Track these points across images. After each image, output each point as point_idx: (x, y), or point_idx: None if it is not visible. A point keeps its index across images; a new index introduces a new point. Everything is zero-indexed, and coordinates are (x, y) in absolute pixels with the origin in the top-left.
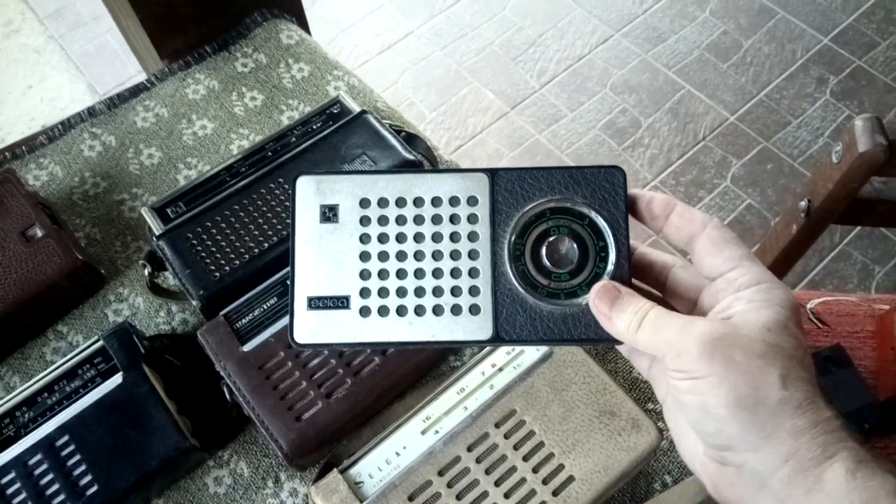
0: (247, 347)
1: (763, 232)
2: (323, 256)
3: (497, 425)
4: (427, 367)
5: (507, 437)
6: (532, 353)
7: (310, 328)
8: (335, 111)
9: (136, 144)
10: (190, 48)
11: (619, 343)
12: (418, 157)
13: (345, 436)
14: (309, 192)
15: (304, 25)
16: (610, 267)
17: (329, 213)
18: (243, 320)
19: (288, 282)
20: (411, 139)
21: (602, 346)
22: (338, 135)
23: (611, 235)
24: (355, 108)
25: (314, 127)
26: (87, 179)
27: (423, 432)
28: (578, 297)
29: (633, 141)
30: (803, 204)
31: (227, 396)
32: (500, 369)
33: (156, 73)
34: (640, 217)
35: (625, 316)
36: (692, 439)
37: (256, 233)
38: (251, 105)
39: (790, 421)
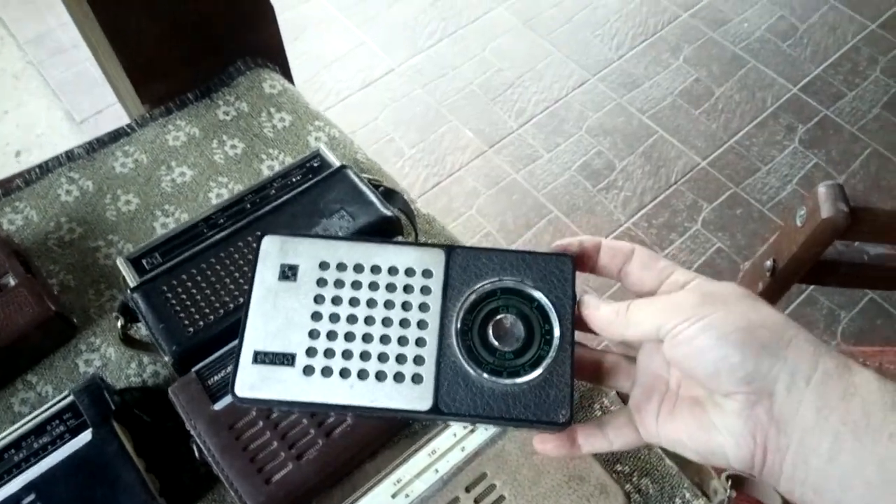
0: (218, 406)
1: (732, 276)
2: (276, 313)
3: (467, 489)
4: (400, 426)
5: (477, 501)
6: None
7: (252, 382)
8: (315, 164)
9: (114, 190)
10: (172, 94)
11: (557, 427)
12: (396, 213)
13: (314, 497)
14: (273, 250)
15: (287, 75)
16: (553, 350)
17: (288, 272)
18: (215, 377)
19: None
20: (389, 194)
21: (539, 429)
22: (317, 189)
23: (557, 320)
24: (335, 162)
25: (294, 180)
26: (63, 225)
27: (394, 496)
28: (521, 377)
29: (608, 183)
30: (768, 264)
31: (197, 454)
32: (472, 430)
33: (137, 118)
34: (573, 317)
35: (609, 307)
36: (711, 416)
37: (232, 287)
38: (231, 153)
39: (803, 333)
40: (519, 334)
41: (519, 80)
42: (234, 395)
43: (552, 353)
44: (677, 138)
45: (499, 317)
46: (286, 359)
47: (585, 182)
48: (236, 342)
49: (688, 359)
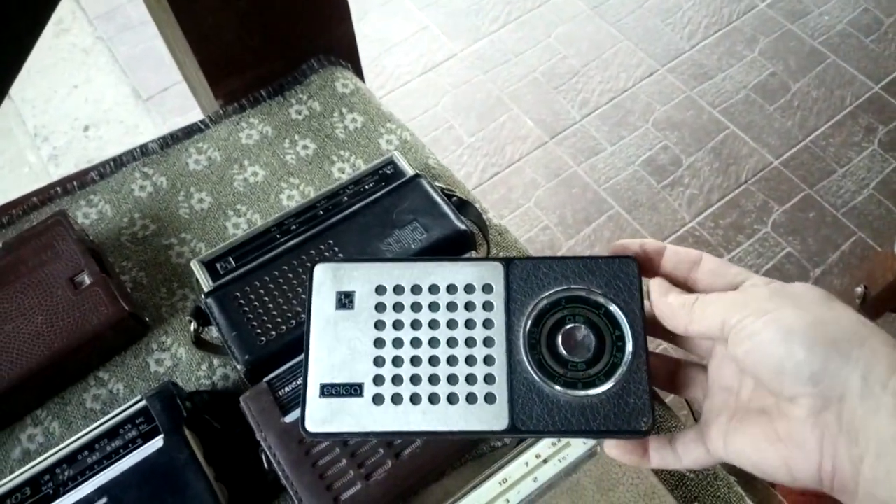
0: (288, 419)
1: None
2: (338, 343)
3: None
4: (467, 447)
5: None
6: (578, 446)
7: (322, 416)
8: (388, 172)
9: (188, 187)
10: (246, 90)
11: (640, 436)
12: (470, 226)
13: None
14: (326, 279)
15: (359, 73)
16: (627, 357)
17: (345, 300)
18: (286, 388)
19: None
20: (463, 205)
21: (621, 439)
22: (390, 198)
23: (627, 325)
24: (409, 170)
25: (367, 187)
26: (137, 221)
27: None
28: (596, 388)
29: (673, 179)
30: (859, 290)
31: (265, 464)
32: (545, 461)
33: (211, 115)
34: (644, 320)
35: (677, 297)
36: (777, 425)
37: (304, 296)
38: (303, 154)
39: (881, 335)
40: (589, 343)
41: (584, 69)
42: (304, 431)
43: (626, 360)
44: (749, 135)
45: (567, 327)
46: (354, 389)
47: (649, 178)
48: (301, 374)
49: (750, 355)
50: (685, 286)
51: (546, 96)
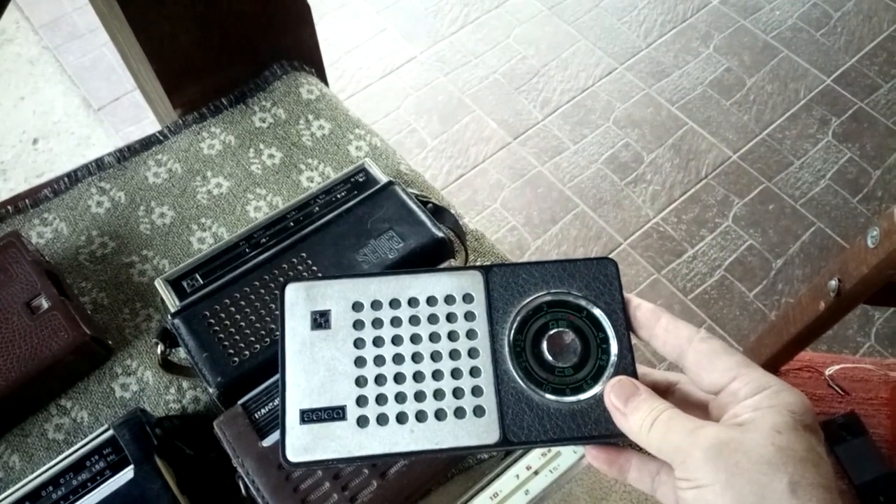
0: (267, 442)
1: (764, 274)
2: (315, 365)
3: None
4: (454, 461)
5: None
6: (569, 456)
7: (304, 444)
8: (360, 179)
9: (148, 202)
10: (205, 99)
11: (631, 442)
12: (447, 233)
13: None
14: (298, 298)
15: (323, 77)
16: (613, 358)
17: (321, 320)
18: (262, 410)
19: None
20: (439, 211)
21: (614, 442)
22: (364, 206)
23: (610, 326)
24: (381, 177)
25: (338, 196)
26: (95, 239)
27: None
28: (585, 392)
29: (636, 176)
30: (833, 283)
31: (243, 491)
32: (536, 472)
33: (169, 125)
34: (627, 321)
35: (639, 414)
36: None
37: (278, 313)
38: (269, 163)
39: None
40: (575, 347)
41: (544, 69)
42: (286, 461)
43: (612, 362)
44: (708, 130)
45: (551, 332)
46: (336, 413)
47: (613, 175)
48: (278, 403)
49: None
50: (678, 361)
51: (507, 97)
